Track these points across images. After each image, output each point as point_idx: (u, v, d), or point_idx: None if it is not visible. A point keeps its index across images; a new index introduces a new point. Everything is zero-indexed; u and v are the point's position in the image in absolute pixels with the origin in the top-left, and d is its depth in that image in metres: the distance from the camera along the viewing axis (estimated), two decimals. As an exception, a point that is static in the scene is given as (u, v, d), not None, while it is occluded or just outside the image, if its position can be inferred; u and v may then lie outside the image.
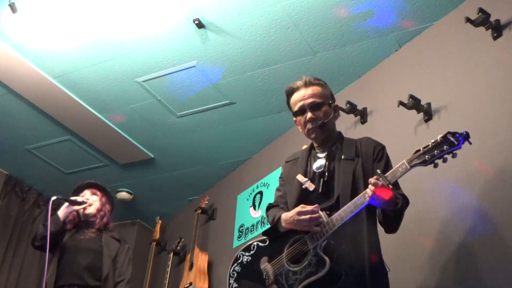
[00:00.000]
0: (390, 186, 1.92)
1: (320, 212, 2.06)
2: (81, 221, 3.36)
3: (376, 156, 2.20)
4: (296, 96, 2.33)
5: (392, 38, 3.38)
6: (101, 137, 4.56)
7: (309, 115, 2.26)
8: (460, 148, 1.84)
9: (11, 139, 4.65)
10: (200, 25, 3.38)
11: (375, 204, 1.98)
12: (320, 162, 2.26)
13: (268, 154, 4.51)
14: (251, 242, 2.36)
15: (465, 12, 2.81)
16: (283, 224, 2.17)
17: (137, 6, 3.32)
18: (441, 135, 1.87)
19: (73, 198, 3.33)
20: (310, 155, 2.36)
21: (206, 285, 4.43)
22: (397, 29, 3.31)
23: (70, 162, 4.98)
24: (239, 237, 4.41)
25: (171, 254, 5.05)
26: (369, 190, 1.92)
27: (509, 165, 2.39)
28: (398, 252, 2.65)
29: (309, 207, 2.06)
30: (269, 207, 2.41)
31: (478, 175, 2.49)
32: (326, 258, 1.96)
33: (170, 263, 4.98)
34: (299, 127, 2.36)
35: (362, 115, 3.49)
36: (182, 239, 5.13)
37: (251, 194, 4.49)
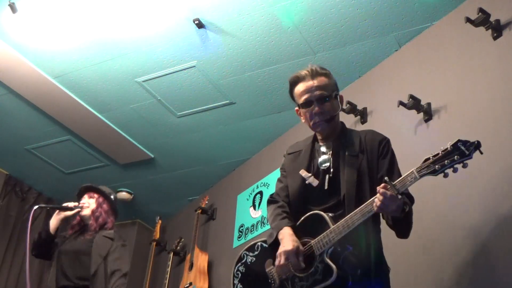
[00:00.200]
0: (399, 196, 1.86)
1: (324, 214, 2.04)
2: (84, 225, 3.40)
3: (381, 153, 2.17)
4: (301, 87, 2.24)
5: (392, 38, 3.37)
6: (101, 137, 4.56)
7: (316, 109, 2.20)
8: (471, 158, 1.77)
9: (11, 139, 4.65)
10: (200, 25, 3.38)
11: (382, 212, 1.97)
12: (324, 157, 2.21)
13: (268, 154, 4.51)
14: (255, 242, 2.35)
15: (465, 12, 2.81)
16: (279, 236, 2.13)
17: (137, 6, 3.32)
18: (451, 143, 1.80)
19: (64, 204, 3.37)
20: (313, 148, 2.31)
21: (206, 285, 4.43)
22: (397, 29, 3.30)
23: (70, 162, 4.98)
24: (239, 237, 4.40)
25: (171, 254, 5.05)
26: (377, 200, 1.87)
27: (509, 165, 2.39)
28: (398, 251, 2.65)
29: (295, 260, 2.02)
30: (270, 201, 2.37)
31: (478, 174, 2.49)
32: (334, 266, 1.93)
33: (170, 263, 4.98)
34: (302, 118, 2.29)
35: (362, 115, 3.49)
36: (182, 239, 5.13)
37: (251, 194, 4.49)
